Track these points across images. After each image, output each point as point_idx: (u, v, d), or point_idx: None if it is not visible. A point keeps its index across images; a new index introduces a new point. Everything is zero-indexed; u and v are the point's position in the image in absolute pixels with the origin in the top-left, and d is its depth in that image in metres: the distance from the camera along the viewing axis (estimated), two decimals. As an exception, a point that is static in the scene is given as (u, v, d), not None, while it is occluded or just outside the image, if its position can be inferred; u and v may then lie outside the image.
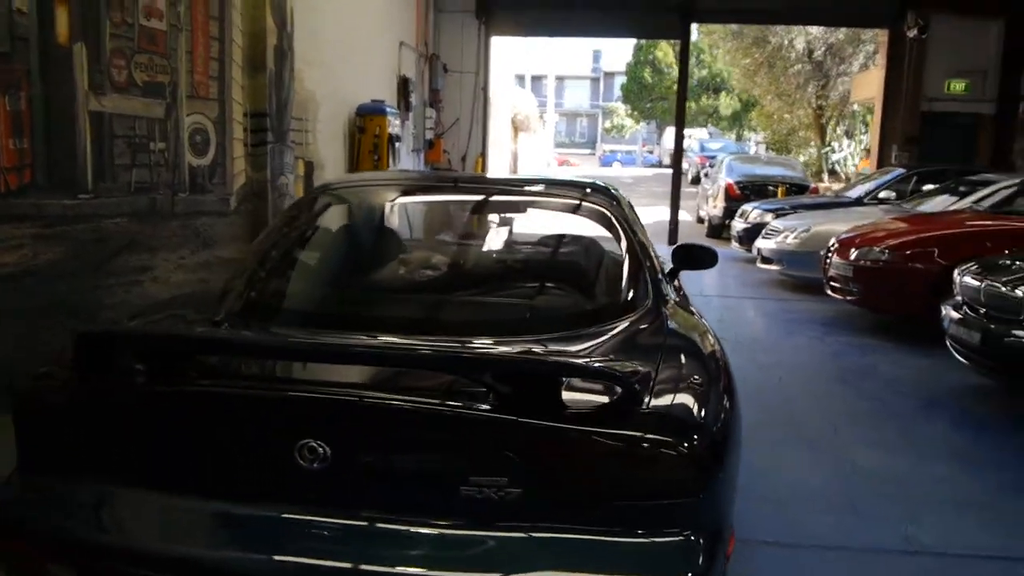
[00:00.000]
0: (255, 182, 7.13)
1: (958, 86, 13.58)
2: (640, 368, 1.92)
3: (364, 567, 1.67)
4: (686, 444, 1.74)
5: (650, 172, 36.68)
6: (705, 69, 39.65)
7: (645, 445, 1.72)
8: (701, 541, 1.75)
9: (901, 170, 12.11)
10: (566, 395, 1.76)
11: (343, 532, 1.73)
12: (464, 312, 2.44)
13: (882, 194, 11.43)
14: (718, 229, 14.75)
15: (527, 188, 3.15)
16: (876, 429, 4.61)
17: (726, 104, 39.69)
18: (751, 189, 14.55)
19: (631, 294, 2.50)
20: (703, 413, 1.86)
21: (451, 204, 3.07)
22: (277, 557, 1.70)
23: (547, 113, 40.50)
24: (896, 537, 3.25)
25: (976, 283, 5.11)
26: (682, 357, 2.18)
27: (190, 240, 6.23)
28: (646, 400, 1.78)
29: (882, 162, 13.96)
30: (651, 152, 51.37)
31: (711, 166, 22.62)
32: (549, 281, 2.68)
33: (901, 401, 5.17)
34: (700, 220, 17.51)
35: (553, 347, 2.08)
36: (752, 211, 11.73)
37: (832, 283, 7.42)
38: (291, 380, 1.93)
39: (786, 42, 22.66)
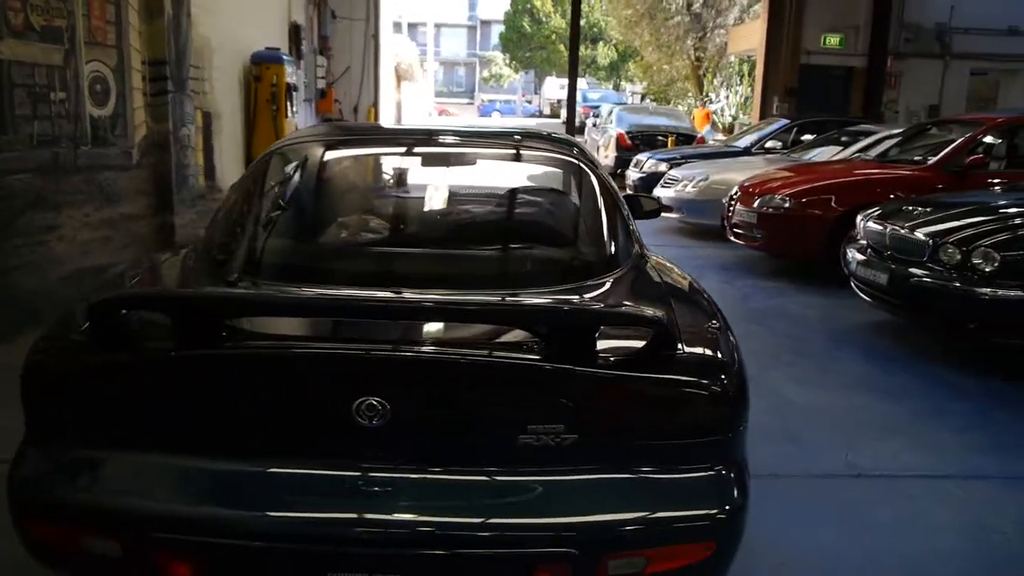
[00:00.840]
0: (157, 134, 6.78)
1: (833, 40, 14.29)
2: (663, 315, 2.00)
3: (431, 518, 1.70)
4: (722, 383, 1.85)
5: (532, 122, 36.88)
6: (583, 18, 39.89)
7: (688, 386, 1.82)
8: (734, 475, 1.88)
9: (784, 121, 12.67)
10: (606, 343, 1.82)
11: (407, 487, 1.74)
12: (467, 266, 2.44)
13: (768, 144, 12.00)
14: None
15: (494, 139, 3.15)
16: (797, 366, 4.92)
17: (604, 54, 40.22)
18: (641, 139, 14.91)
19: (618, 246, 2.57)
20: (727, 354, 1.97)
21: (418, 156, 3.04)
22: (339, 515, 1.71)
23: (427, 62, 39.85)
24: (838, 463, 3.53)
25: (880, 228, 5.49)
26: (687, 304, 2.29)
27: (94, 196, 5.88)
28: (680, 345, 1.87)
29: (764, 113, 14.57)
30: (530, 102, 51.56)
31: (595, 116, 23.06)
32: (534, 234, 2.72)
33: (815, 339, 5.53)
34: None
35: (576, 297, 2.13)
36: (647, 161, 12.04)
37: (735, 230, 7.76)
38: (342, 338, 1.90)
39: (666, -8, 23.17)
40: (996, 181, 6.86)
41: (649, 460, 1.82)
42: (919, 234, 5.12)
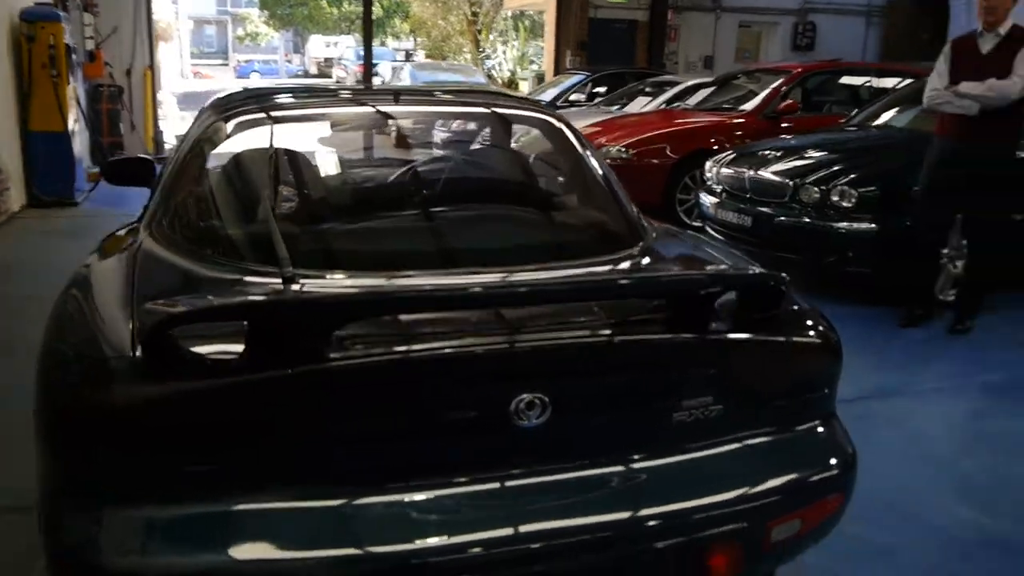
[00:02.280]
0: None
1: (618, -6, 14.82)
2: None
3: (606, 518, 1.57)
4: (831, 336, 1.86)
5: (297, 82, 35.19)
6: (347, -28, 38.57)
7: (806, 341, 1.80)
8: (841, 424, 1.91)
9: (583, 74, 13.02)
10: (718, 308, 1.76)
11: (573, 487, 1.59)
12: (511, 237, 2.24)
13: (572, 96, 12.30)
14: (409, 138, 14.81)
15: (469, 99, 2.93)
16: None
17: (369, 10, 39.18)
18: (438, 95, 14.74)
19: (631, 209, 2.48)
20: (811, 306, 1.98)
21: (393, 120, 2.75)
22: (519, 529, 1.52)
23: (179, 20, 36.81)
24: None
25: (737, 172, 5.81)
26: (735, 265, 2.25)
27: None
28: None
29: (558, 67, 14.88)
30: (290, 62, 49.32)
31: (376, 74, 22.52)
32: (552, 199, 2.60)
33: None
34: (381, 130, 17.39)
35: (663, 264, 2.03)
36: (459, 118, 11.93)
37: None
38: (483, 331, 1.65)
39: (440, -53, 22.88)
40: (811, 123, 7.48)
41: (779, 421, 1.80)
42: (778, 177, 5.47)
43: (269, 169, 2.25)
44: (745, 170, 5.73)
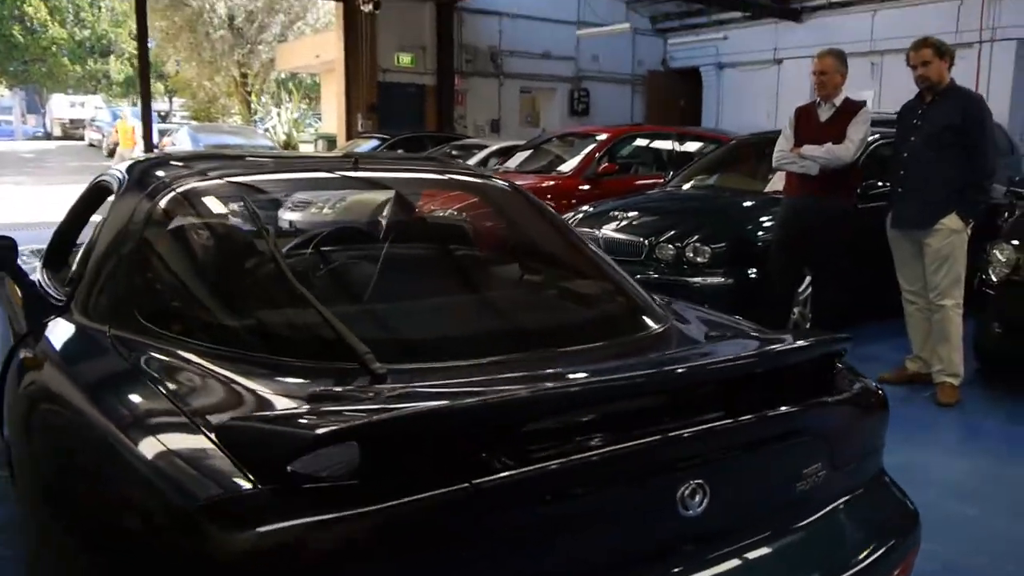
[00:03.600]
0: None
1: (405, 59, 15.01)
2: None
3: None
4: (879, 390, 1.93)
5: (39, 145, 31.90)
6: (88, 28, 35.96)
7: (865, 398, 1.85)
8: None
9: (379, 138, 12.95)
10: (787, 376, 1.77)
11: (737, 568, 1.50)
12: (537, 319, 2.12)
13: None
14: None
15: (430, 168, 2.77)
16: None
17: (117, 68, 36.75)
18: (225, 160, 14.03)
19: (638, 287, 2.43)
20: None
21: (357, 194, 2.52)
22: None
23: None
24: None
25: (590, 232, 5.99)
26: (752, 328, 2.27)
27: None
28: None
29: (350, 130, 14.72)
30: (26, 123, 44.89)
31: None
32: (566, 277, 2.48)
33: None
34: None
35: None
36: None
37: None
38: (641, 423, 1.49)
39: (208, 6, 21.97)
40: (630, 184, 7.93)
41: (860, 478, 1.83)
42: (632, 236, 5.72)
43: (268, 245, 1.97)
44: (596, 230, 5.93)
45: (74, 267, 2.34)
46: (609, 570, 1.42)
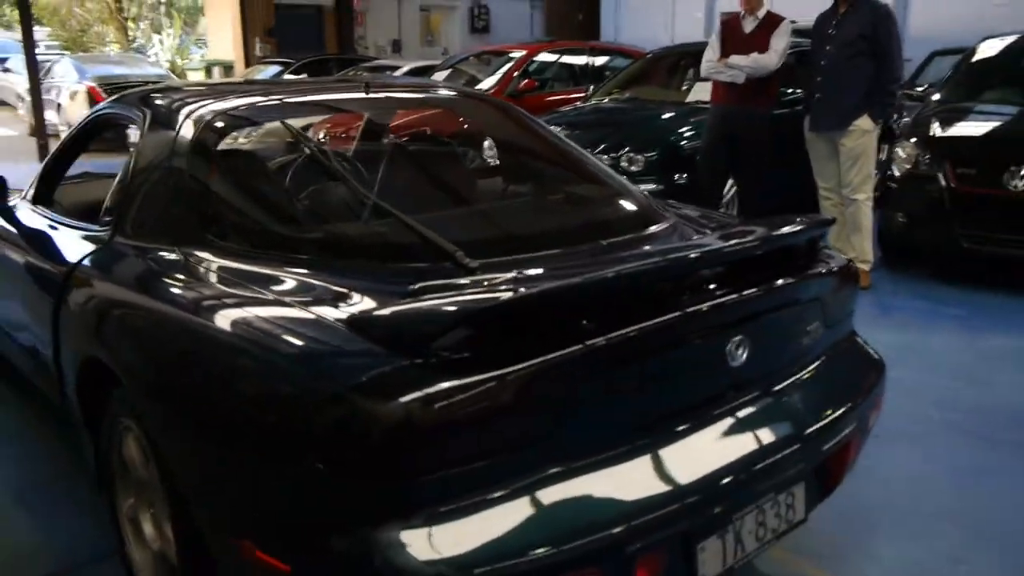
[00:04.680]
0: None
1: (301, -21, 14.55)
2: None
3: (800, 425, 1.86)
4: (850, 263, 2.29)
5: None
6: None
7: (842, 268, 2.18)
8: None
9: (281, 63, 12.63)
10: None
11: (767, 410, 1.85)
12: (561, 218, 2.37)
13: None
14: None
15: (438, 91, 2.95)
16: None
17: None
18: (116, 91, 13.39)
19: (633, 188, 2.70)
20: None
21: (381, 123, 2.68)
22: (762, 445, 1.76)
23: None
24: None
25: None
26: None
27: None
28: None
29: (248, 56, 14.29)
30: None
31: (6, 70, 19.58)
32: (568, 179, 2.71)
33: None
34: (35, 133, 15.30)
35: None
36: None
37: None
38: (691, 294, 1.77)
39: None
40: (551, 99, 8.16)
41: (842, 334, 2.21)
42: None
43: (332, 163, 2.15)
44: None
45: (110, 201, 2.44)
46: (683, 411, 1.74)
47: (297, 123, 2.55)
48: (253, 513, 1.59)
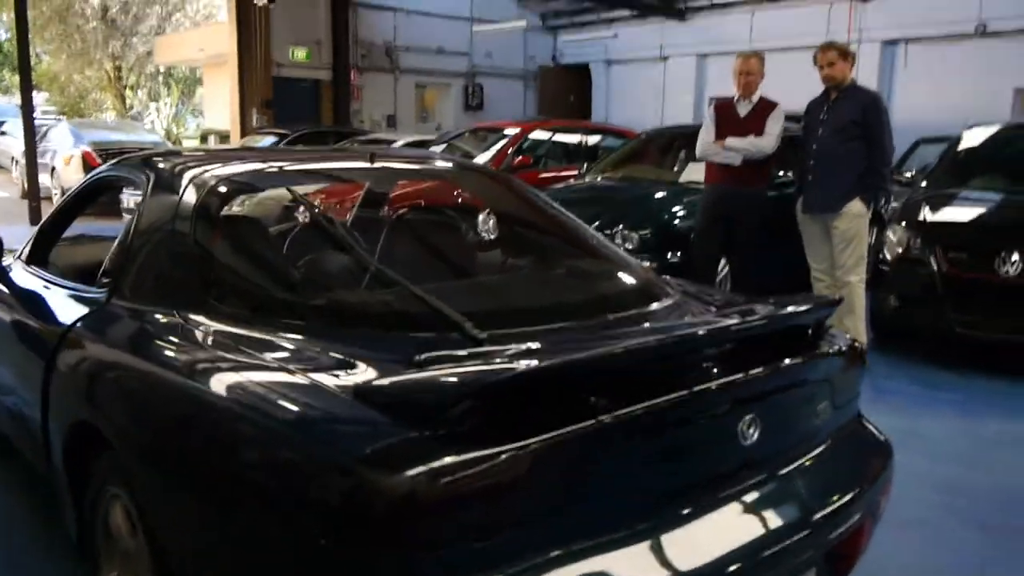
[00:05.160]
0: None
1: (300, 54, 14.86)
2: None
3: (806, 513, 1.82)
4: (856, 343, 2.27)
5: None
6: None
7: (848, 349, 2.16)
8: None
9: (277, 134, 12.75)
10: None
11: (777, 488, 1.81)
12: (584, 292, 2.36)
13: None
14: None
15: (429, 167, 2.97)
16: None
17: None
18: (111, 156, 13.51)
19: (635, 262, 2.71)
20: None
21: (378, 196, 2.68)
22: (782, 524, 1.74)
23: None
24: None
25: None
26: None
27: None
28: None
29: (244, 125, 14.45)
30: None
31: (2, 133, 19.73)
32: (570, 253, 2.70)
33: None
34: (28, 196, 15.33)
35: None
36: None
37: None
38: (699, 371, 1.74)
39: (78, -4, 20.94)
40: (545, 176, 8.26)
41: (848, 416, 2.17)
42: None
43: (335, 228, 2.14)
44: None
45: (108, 263, 2.41)
46: (694, 489, 1.69)
47: (300, 191, 2.55)
48: None
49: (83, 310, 2.33)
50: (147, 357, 1.96)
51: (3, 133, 19.64)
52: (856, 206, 4.88)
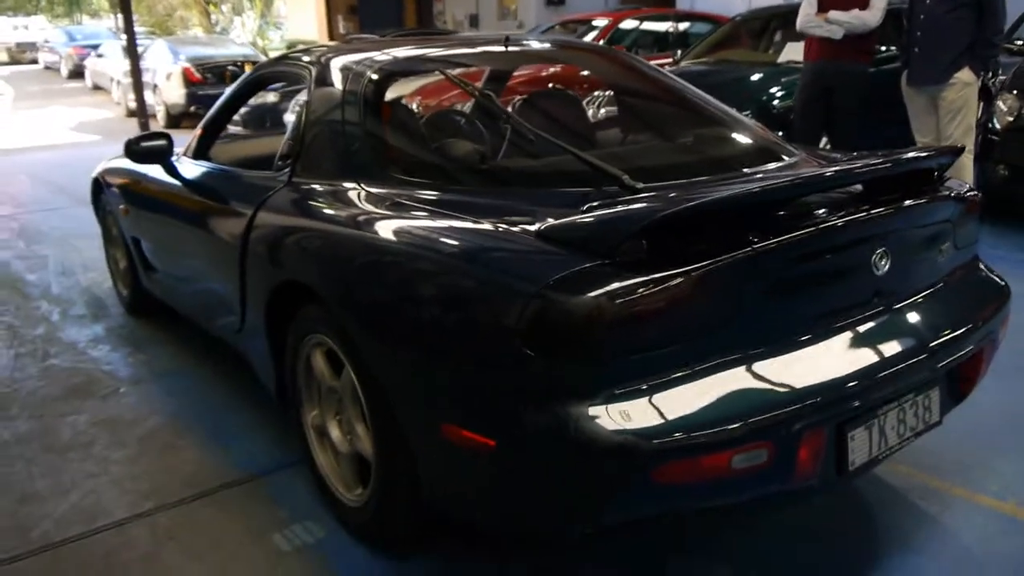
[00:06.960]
0: None
1: (381, -43, 14.85)
2: None
3: (927, 338, 2.02)
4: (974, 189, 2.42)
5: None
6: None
7: (967, 193, 2.31)
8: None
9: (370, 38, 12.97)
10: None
11: (906, 314, 2.03)
12: (719, 150, 2.59)
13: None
14: (179, 118, 13.93)
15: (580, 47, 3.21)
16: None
17: (58, -14, 35.28)
18: (212, 71, 13.99)
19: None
20: None
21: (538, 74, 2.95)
22: (905, 347, 1.94)
23: None
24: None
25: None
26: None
27: None
28: None
29: (332, 33, 14.67)
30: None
31: (99, 55, 20.45)
32: (711, 119, 2.87)
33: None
34: (133, 113, 16.02)
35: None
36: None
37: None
38: (842, 204, 1.96)
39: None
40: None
41: (965, 260, 2.34)
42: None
43: (496, 105, 2.40)
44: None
45: (285, 148, 2.72)
46: (834, 312, 1.92)
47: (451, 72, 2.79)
48: (457, 400, 1.83)
49: (269, 189, 2.65)
50: (344, 219, 2.24)
51: (100, 56, 20.33)
52: (965, 74, 4.84)
